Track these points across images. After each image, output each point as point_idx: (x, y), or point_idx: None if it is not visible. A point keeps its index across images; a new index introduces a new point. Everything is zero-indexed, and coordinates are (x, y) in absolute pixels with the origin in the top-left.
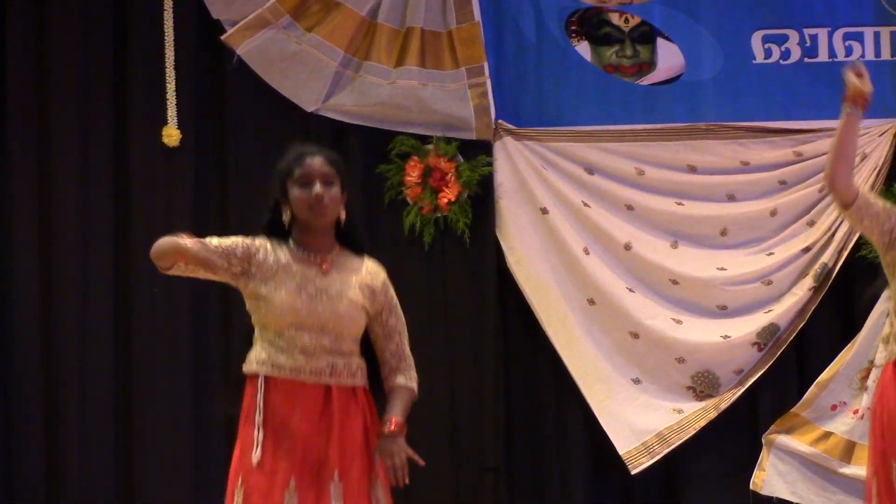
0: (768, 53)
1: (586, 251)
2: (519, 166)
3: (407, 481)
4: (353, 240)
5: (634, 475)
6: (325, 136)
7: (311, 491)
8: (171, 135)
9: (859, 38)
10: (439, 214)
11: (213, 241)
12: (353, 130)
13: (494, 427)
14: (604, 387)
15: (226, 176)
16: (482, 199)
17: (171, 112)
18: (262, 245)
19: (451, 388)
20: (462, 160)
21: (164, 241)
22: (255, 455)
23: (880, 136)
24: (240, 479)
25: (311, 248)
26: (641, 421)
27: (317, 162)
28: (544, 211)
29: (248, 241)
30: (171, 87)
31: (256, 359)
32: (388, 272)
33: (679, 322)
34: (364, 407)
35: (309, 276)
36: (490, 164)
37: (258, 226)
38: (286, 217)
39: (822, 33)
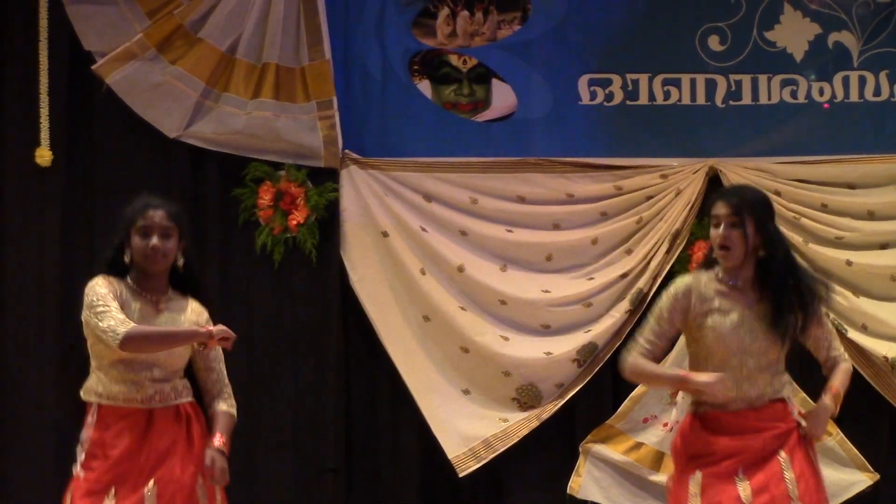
0: (593, 95)
1: (423, 272)
2: (363, 192)
3: (227, 481)
4: (189, 284)
5: (462, 477)
6: (185, 161)
7: (129, 496)
8: (44, 155)
9: (677, 83)
10: (289, 235)
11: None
12: (211, 156)
13: (335, 431)
14: (436, 396)
15: (94, 195)
16: (328, 222)
17: (45, 134)
18: (111, 281)
19: (296, 395)
20: (311, 186)
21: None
22: (79, 472)
23: (693, 173)
24: (70, 491)
25: (146, 288)
26: (470, 428)
27: (158, 215)
28: (385, 234)
29: (108, 287)
30: (44, 111)
31: (93, 389)
32: (241, 287)
33: (506, 339)
34: (188, 419)
35: (145, 313)
36: (336, 190)
37: (100, 261)
38: (127, 259)
39: (643, 78)
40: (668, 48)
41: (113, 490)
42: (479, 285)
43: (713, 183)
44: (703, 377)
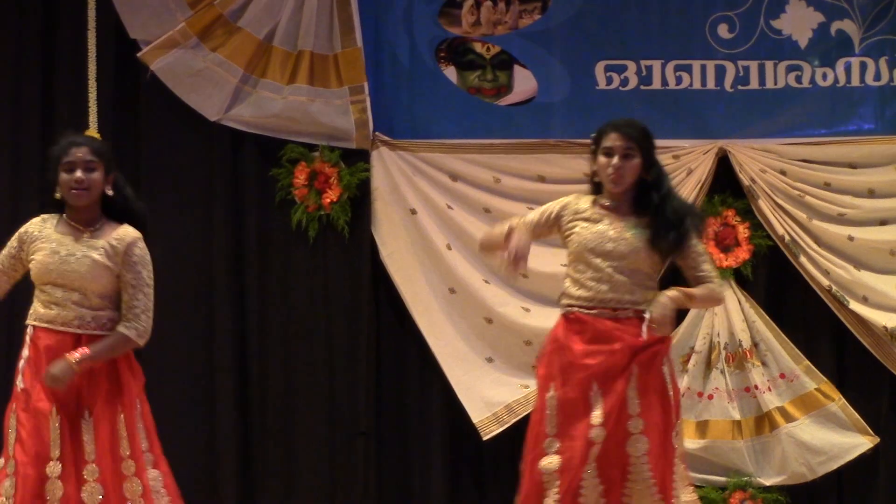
0: (609, 81)
1: (448, 247)
2: (392, 172)
3: (57, 389)
4: (123, 212)
5: (486, 440)
6: (225, 143)
7: (68, 423)
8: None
9: (688, 69)
10: (323, 212)
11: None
12: (249, 138)
13: (366, 398)
14: (461, 364)
15: (139, 175)
16: (360, 200)
17: (93, 118)
18: (29, 226)
19: (329, 364)
20: (343, 166)
21: None
22: (19, 383)
23: (704, 154)
24: (14, 405)
25: (77, 220)
26: (493, 394)
27: (81, 151)
28: (413, 212)
29: (16, 237)
30: (92, 96)
31: (31, 312)
32: (277, 262)
33: (527, 310)
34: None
35: (64, 242)
36: (367, 170)
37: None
38: (58, 195)
39: (656, 64)
40: (680, 36)
41: (54, 410)
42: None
43: (723, 163)
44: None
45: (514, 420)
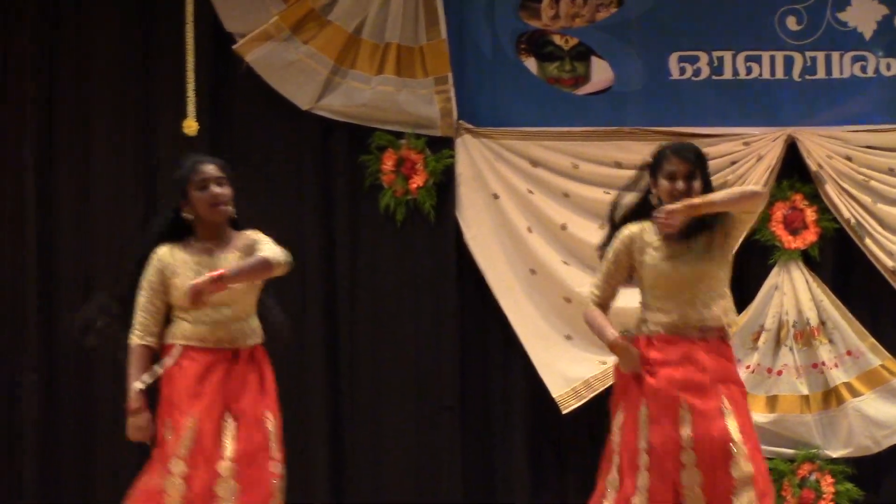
0: (682, 71)
1: (529, 230)
2: (475, 159)
3: (197, 300)
4: (237, 222)
5: (565, 414)
6: (316, 131)
7: (208, 424)
8: (191, 126)
9: (758, 60)
10: (409, 197)
11: (147, 314)
12: (339, 127)
13: (451, 374)
14: (541, 342)
15: (235, 162)
16: (445, 186)
17: (191, 107)
18: (158, 260)
19: (416, 342)
20: (429, 153)
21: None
22: (138, 384)
23: (773, 141)
24: (167, 421)
25: (205, 238)
26: (571, 370)
27: (210, 168)
28: (495, 196)
29: (150, 273)
30: (190, 86)
31: (172, 333)
32: (366, 244)
33: None
34: (259, 362)
35: (202, 262)
36: (452, 157)
37: (153, 232)
38: (190, 216)
39: (727, 55)
40: (750, 28)
41: (195, 416)
42: (581, 242)
43: (791, 149)
44: (622, 356)
45: (592, 395)
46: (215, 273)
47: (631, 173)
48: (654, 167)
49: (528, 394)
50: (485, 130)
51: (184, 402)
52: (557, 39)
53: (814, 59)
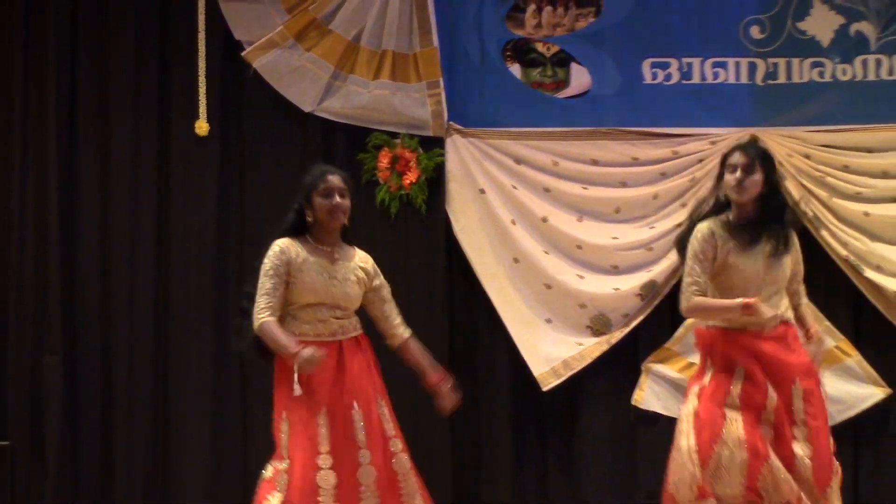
0: (655, 76)
1: (513, 222)
2: (464, 157)
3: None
4: (348, 237)
5: (545, 392)
6: (318, 131)
7: (338, 415)
8: (202, 127)
9: (724, 66)
10: (403, 192)
11: (274, 298)
12: (339, 127)
13: (441, 354)
14: (524, 325)
15: (243, 159)
16: (435, 181)
17: (202, 109)
18: (284, 252)
19: (409, 324)
20: (421, 151)
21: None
22: (297, 391)
23: (737, 140)
24: (284, 413)
25: (324, 242)
26: (551, 351)
27: (336, 178)
28: (482, 191)
29: (277, 263)
30: (202, 89)
31: (289, 330)
32: (363, 235)
33: (582, 277)
34: (365, 348)
35: (323, 265)
36: (442, 155)
37: (282, 224)
38: (310, 219)
39: (696, 62)
40: (717, 36)
41: (324, 410)
42: (560, 233)
43: None
44: (765, 308)
45: (570, 374)
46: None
47: (606, 170)
48: (721, 164)
49: (512, 372)
50: (472, 131)
51: (311, 397)
52: (540, 47)
53: (775, 65)
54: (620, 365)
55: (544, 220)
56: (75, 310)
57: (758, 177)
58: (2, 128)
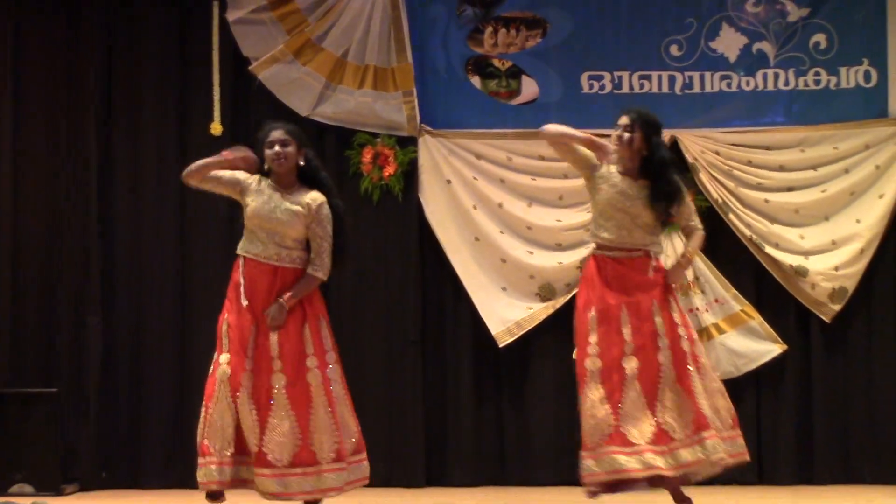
0: (591, 87)
1: (474, 207)
2: (433, 153)
3: (276, 326)
4: (311, 178)
5: (501, 348)
6: (312, 132)
7: (262, 332)
8: (216, 128)
9: (649, 78)
10: (383, 182)
11: (225, 173)
12: (330, 129)
13: (414, 316)
14: (483, 292)
15: None
16: (410, 173)
17: (217, 113)
18: (250, 178)
19: (388, 291)
20: (398, 148)
21: (193, 164)
22: (243, 301)
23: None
24: (225, 319)
25: (280, 184)
26: (506, 314)
27: (277, 132)
28: (448, 181)
29: (241, 176)
30: (216, 96)
31: (240, 245)
32: (350, 218)
33: (531, 253)
34: (303, 279)
35: (273, 197)
36: (415, 152)
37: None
38: (266, 166)
39: (625, 75)
40: (643, 54)
41: (255, 323)
42: (513, 217)
43: (674, 146)
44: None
45: (521, 332)
46: (283, 300)
47: (551, 164)
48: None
49: (474, 331)
50: (440, 132)
51: (247, 307)
52: (496, 62)
53: (691, 78)
54: (563, 325)
55: (500, 205)
56: (112, 279)
57: (637, 134)
58: (51, 129)
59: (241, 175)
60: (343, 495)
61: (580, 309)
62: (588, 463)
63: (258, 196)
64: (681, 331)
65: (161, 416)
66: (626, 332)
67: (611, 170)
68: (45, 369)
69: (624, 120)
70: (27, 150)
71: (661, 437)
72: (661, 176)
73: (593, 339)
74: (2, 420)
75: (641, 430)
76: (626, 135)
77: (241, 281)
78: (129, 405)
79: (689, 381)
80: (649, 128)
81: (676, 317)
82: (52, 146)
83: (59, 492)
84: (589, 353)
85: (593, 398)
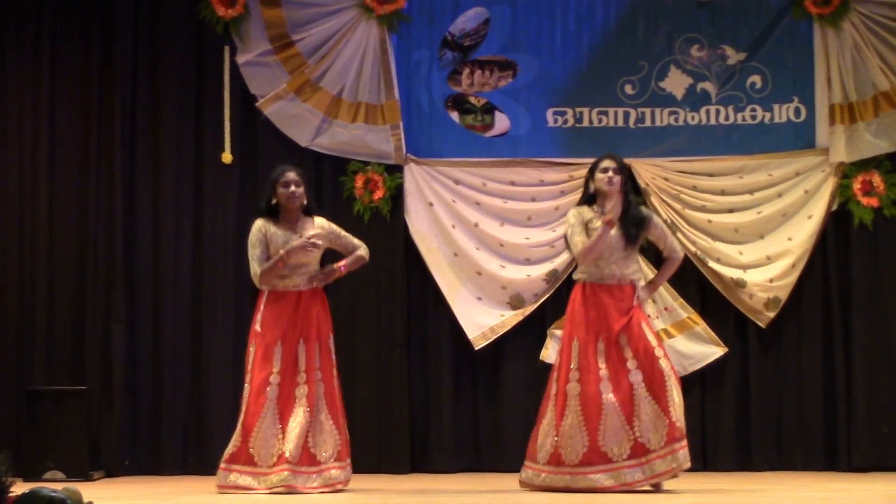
0: (556, 121)
1: (453, 227)
2: (417, 178)
3: (319, 283)
4: (307, 210)
5: (477, 350)
6: (311, 161)
7: (289, 348)
8: (227, 157)
9: (606, 114)
10: (373, 205)
11: (262, 258)
12: (327, 158)
13: (401, 321)
14: (461, 301)
15: (256, 183)
16: (397, 197)
17: (227, 143)
18: (261, 230)
19: (377, 300)
20: (386, 175)
21: (264, 276)
22: (258, 328)
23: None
24: (253, 344)
25: (288, 220)
26: (481, 320)
27: (291, 174)
28: (431, 204)
29: (260, 236)
30: (227, 128)
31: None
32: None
33: (503, 267)
34: (320, 299)
35: (287, 236)
36: (401, 178)
37: (257, 208)
38: (276, 203)
39: (586, 110)
40: (601, 92)
41: (279, 341)
42: (487, 235)
43: (629, 173)
44: (609, 211)
45: (495, 337)
46: (339, 266)
47: (521, 189)
48: (592, 169)
49: (453, 336)
50: (423, 160)
51: (272, 330)
52: (472, 99)
53: (643, 113)
54: (532, 331)
55: (476, 225)
56: (135, 290)
57: (620, 176)
58: (82, 153)
59: (261, 238)
60: (331, 485)
61: (565, 339)
62: (528, 473)
63: (277, 239)
64: (657, 352)
65: (178, 411)
66: (602, 361)
67: (587, 216)
68: (76, 370)
69: (611, 164)
70: (61, 175)
71: (638, 450)
72: (628, 207)
73: (574, 364)
74: (37, 414)
75: (621, 448)
76: (617, 177)
77: (265, 312)
78: (150, 401)
79: (666, 396)
80: (624, 168)
81: (651, 339)
82: (83, 171)
83: (87, 478)
84: (570, 379)
85: (552, 422)
